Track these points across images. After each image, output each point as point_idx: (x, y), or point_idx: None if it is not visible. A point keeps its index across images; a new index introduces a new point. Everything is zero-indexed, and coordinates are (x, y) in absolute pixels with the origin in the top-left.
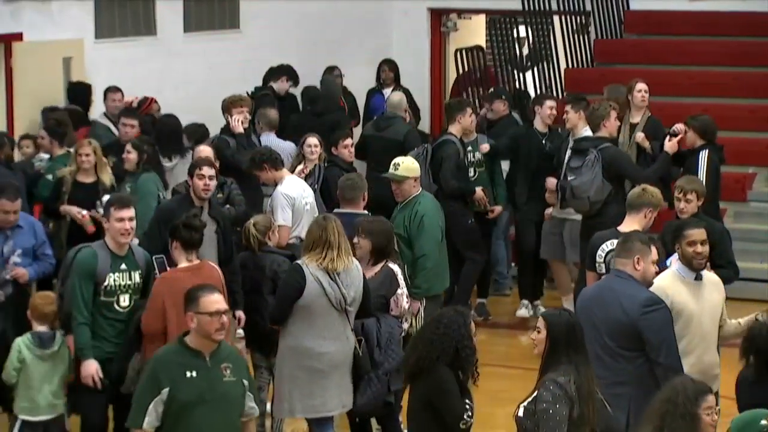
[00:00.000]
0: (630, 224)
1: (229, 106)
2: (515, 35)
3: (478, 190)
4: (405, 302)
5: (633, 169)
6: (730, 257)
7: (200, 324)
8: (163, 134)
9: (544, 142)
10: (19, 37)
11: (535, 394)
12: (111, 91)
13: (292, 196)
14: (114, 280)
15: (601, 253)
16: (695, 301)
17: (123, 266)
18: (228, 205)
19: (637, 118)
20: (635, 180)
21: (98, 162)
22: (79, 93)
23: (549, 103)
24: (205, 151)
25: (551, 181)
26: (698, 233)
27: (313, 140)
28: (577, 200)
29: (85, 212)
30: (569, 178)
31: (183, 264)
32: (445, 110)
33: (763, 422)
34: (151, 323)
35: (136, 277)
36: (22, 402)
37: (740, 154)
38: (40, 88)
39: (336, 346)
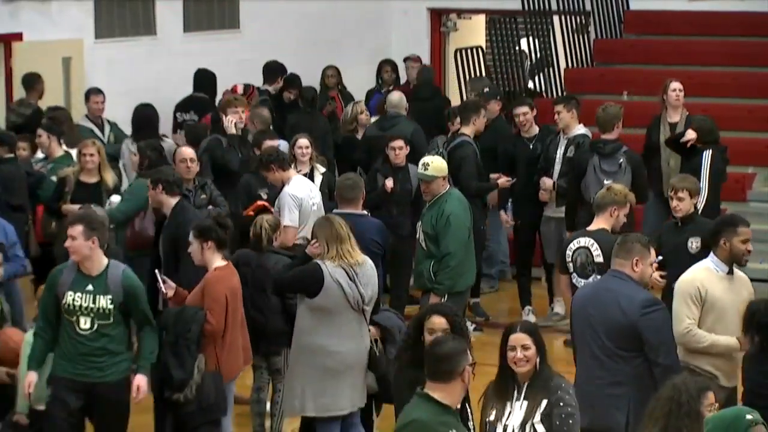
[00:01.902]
0: (597, 224)
1: (224, 106)
2: (517, 44)
3: (501, 180)
4: None
5: (645, 176)
6: None
7: None
8: (137, 123)
9: (532, 146)
10: (18, 37)
11: (545, 400)
12: (93, 93)
13: (300, 197)
14: (73, 300)
15: (569, 252)
16: (728, 295)
17: (89, 287)
18: (211, 206)
19: (675, 117)
20: (643, 187)
21: (102, 162)
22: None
23: (521, 109)
24: (186, 152)
25: (547, 182)
26: (749, 231)
27: (304, 141)
28: None
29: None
30: (606, 182)
31: (221, 262)
32: (459, 111)
33: (749, 417)
34: (220, 321)
35: (103, 301)
36: None
37: (740, 154)
38: None
39: (350, 346)
